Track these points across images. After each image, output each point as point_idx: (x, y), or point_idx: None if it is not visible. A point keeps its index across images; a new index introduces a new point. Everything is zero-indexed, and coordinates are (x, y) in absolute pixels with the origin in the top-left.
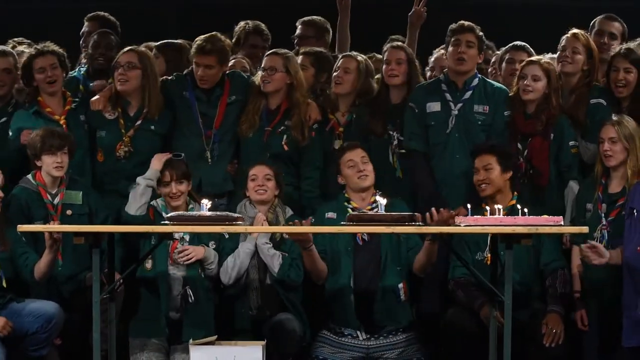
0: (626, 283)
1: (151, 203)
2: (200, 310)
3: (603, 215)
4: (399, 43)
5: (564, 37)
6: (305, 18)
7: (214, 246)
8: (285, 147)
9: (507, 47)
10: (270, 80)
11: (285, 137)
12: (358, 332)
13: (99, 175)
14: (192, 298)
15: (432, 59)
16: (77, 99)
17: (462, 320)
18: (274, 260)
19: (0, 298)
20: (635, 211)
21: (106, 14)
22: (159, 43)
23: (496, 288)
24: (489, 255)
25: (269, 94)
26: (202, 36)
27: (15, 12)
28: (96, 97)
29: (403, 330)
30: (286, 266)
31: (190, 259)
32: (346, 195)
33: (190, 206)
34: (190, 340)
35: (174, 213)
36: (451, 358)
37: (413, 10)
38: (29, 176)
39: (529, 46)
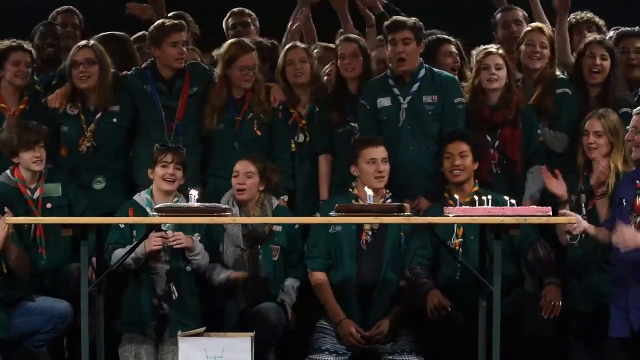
0: (614, 273)
1: (134, 198)
2: (185, 306)
3: (583, 205)
4: (351, 36)
5: (527, 31)
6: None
7: (199, 238)
8: (258, 132)
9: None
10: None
11: (255, 122)
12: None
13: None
14: (176, 294)
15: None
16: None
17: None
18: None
19: (8, 289)
20: (624, 201)
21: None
22: (100, 35)
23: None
24: (457, 241)
25: (235, 88)
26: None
27: None
28: (53, 95)
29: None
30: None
31: (180, 244)
32: (355, 190)
33: (176, 199)
34: (179, 332)
35: (162, 204)
36: (441, 349)
37: None
38: (7, 172)
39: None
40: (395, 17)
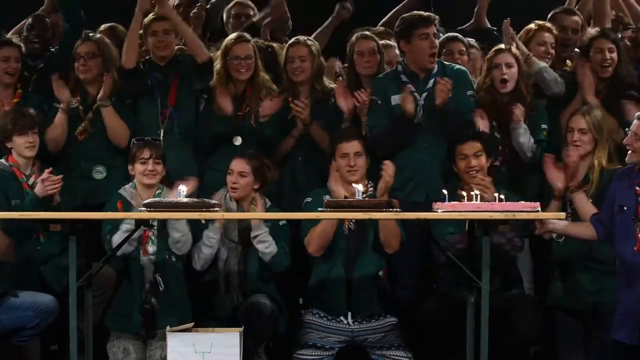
0: (621, 279)
1: (119, 192)
2: (172, 297)
3: (568, 202)
4: (368, 33)
5: (535, 30)
6: None
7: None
8: (254, 125)
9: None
10: (246, 67)
11: (253, 116)
12: (343, 317)
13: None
14: (162, 286)
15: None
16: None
17: (442, 307)
18: (268, 247)
19: None
20: (625, 208)
21: None
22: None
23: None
24: None
25: (236, 81)
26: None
27: None
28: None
29: (385, 315)
30: (280, 255)
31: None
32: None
33: (159, 191)
34: (167, 327)
35: (150, 200)
36: (431, 344)
37: None
38: (2, 160)
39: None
40: (420, 12)
